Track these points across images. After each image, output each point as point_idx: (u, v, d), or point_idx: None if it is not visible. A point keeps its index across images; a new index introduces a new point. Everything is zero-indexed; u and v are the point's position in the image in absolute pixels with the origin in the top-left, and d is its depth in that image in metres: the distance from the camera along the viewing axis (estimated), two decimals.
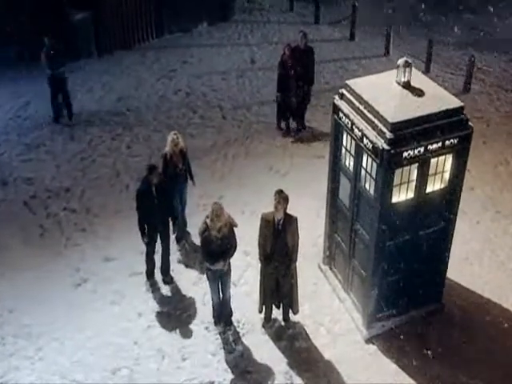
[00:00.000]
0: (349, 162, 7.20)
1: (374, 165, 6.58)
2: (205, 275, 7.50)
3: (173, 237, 8.56)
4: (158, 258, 8.21)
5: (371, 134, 6.51)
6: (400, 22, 14.85)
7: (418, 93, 6.62)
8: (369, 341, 7.40)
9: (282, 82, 10.69)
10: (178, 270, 8.43)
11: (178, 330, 7.60)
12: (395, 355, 7.24)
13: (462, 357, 7.23)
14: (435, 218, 7.07)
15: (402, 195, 6.74)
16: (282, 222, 6.95)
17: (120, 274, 8.31)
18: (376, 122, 6.48)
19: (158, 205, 7.76)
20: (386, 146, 6.32)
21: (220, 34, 14.88)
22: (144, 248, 8.08)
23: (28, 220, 9.30)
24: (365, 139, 6.61)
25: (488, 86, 12.67)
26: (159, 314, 7.82)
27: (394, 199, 6.71)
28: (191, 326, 7.66)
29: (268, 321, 7.63)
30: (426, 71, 12.52)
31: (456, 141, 6.56)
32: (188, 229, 8.97)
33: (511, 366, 7.16)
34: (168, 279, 8.25)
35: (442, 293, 7.70)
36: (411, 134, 6.35)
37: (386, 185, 6.52)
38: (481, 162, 10.07)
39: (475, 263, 8.48)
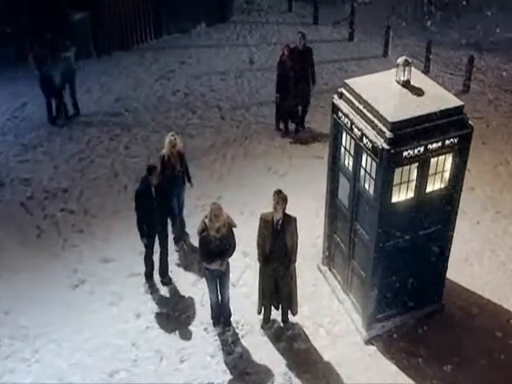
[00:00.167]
0: (348, 162, 7.16)
1: (374, 164, 6.54)
2: (204, 275, 7.45)
3: (171, 238, 8.51)
4: (156, 259, 8.16)
5: (371, 133, 6.47)
6: (399, 23, 14.82)
7: (418, 92, 6.57)
8: (368, 342, 7.35)
9: (281, 83, 10.65)
10: (176, 271, 8.39)
11: (176, 332, 7.55)
12: (395, 356, 7.20)
13: (462, 357, 7.19)
14: (435, 218, 7.02)
15: (401, 195, 6.69)
16: (280, 222, 6.90)
17: (118, 275, 8.26)
18: (376, 121, 6.43)
19: (157, 205, 7.72)
20: (385, 146, 6.27)
21: (218, 34, 14.86)
22: (142, 249, 8.04)
23: (25, 221, 9.25)
24: (364, 139, 6.57)
25: (487, 86, 12.65)
26: (157, 316, 7.77)
27: (394, 199, 6.66)
28: (190, 328, 7.61)
29: (267, 322, 7.58)
30: (426, 71, 12.47)
31: (456, 140, 6.51)
32: (186, 229, 8.92)
33: None
34: (166, 280, 8.20)
35: (441, 293, 7.66)
36: (411, 134, 6.31)
37: (385, 184, 6.48)
38: (481, 162, 10.04)
39: (475, 264, 8.44)
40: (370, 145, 6.48)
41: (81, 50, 13.25)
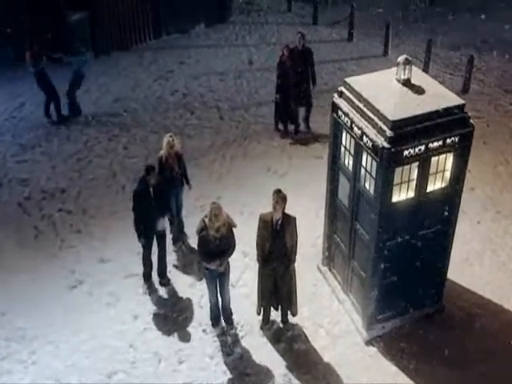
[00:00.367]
0: (348, 161, 7.11)
1: (374, 163, 6.48)
2: (203, 276, 7.40)
3: (169, 238, 8.45)
4: (154, 259, 8.09)
5: (371, 132, 6.41)
6: (398, 23, 14.81)
7: (419, 90, 6.53)
8: (369, 342, 7.30)
9: (281, 84, 10.61)
10: (174, 272, 8.33)
11: (174, 333, 7.49)
12: (395, 357, 7.14)
13: (462, 358, 7.14)
14: (436, 218, 6.97)
15: (402, 194, 6.63)
16: (280, 221, 6.84)
17: (116, 276, 8.20)
18: (376, 119, 6.38)
19: (155, 206, 7.65)
20: (386, 145, 6.22)
21: (217, 35, 14.82)
22: (140, 249, 7.98)
23: (23, 221, 9.19)
24: (364, 137, 6.51)
25: (487, 86, 12.61)
26: (155, 317, 7.70)
27: (394, 198, 6.61)
28: (188, 329, 7.55)
29: (266, 323, 7.52)
30: (425, 71, 12.39)
31: (457, 139, 6.46)
32: (185, 230, 8.86)
33: None
34: (165, 281, 8.14)
35: (442, 294, 7.61)
36: (412, 132, 6.26)
37: (386, 184, 6.42)
38: (481, 162, 9.99)
39: (476, 264, 8.39)
40: (370, 144, 6.43)
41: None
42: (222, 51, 14.06)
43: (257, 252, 7.08)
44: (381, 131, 6.30)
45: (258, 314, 7.48)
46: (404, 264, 7.09)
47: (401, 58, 6.58)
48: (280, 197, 6.75)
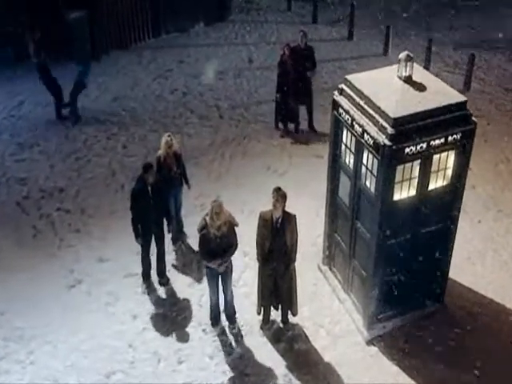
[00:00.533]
0: (349, 160, 7.05)
1: (375, 161, 6.43)
2: (203, 275, 7.34)
3: (169, 238, 8.39)
4: (153, 259, 8.03)
5: (372, 129, 6.36)
6: (399, 22, 14.76)
7: (420, 87, 6.48)
8: (370, 342, 7.24)
9: (282, 83, 10.55)
10: (174, 272, 8.28)
11: (174, 333, 7.43)
12: (397, 357, 7.09)
13: (464, 358, 7.09)
14: (437, 216, 6.92)
15: (403, 192, 6.58)
16: (280, 220, 6.78)
17: (115, 276, 8.15)
18: (377, 117, 6.33)
19: (153, 205, 7.59)
20: (387, 142, 6.17)
21: (217, 33, 14.76)
22: (139, 249, 7.93)
23: (21, 221, 9.13)
24: (365, 135, 6.46)
25: (488, 84, 12.57)
26: (155, 316, 7.65)
27: (396, 197, 6.56)
28: (188, 329, 7.49)
29: (266, 322, 7.46)
30: (426, 70, 12.38)
31: (459, 136, 6.41)
32: (184, 229, 8.80)
33: None
34: (164, 281, 8.08)
35: (443, 293, 7.56)
36: (413, 130, 6.21)
37: (387, 182, 6.37)
38: (482, 161, 9.94)
39: (477, 263, 8.34)
40: (371, 141, 6.37)
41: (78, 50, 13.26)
42: (221, 50, 14.00)
43: (257, 251, 7.02)
44: (382, 129, 6.24)
45: (258, 313, 7.42)
46: (405, 263, 7.04)
47: (402, 55, 6.52)
48: (280, 195, 6.69)
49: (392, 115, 6.17)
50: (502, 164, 10.25)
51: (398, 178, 6.41)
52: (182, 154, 8.45)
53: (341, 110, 6.91)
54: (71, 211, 9.28)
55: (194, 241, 8.55)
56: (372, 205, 6.69)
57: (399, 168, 6.35)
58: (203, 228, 6.85)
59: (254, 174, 9.98)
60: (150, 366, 7.05)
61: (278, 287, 7.20)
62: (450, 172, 6.70)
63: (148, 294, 7.93)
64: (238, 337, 7.37)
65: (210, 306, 7.38)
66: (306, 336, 7.37)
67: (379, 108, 6.32)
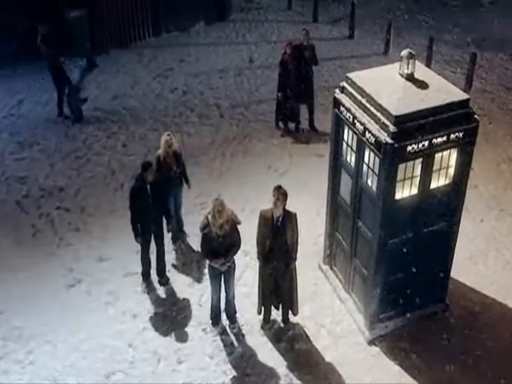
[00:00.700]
0: (350, 158, 7.00)
1: (377, 160, 6.37)
2: (201, 274, 7.29)
3: (169, 237, 8.34)
4: (153, 258, 7.98)
5: (374, 127, 6.30)
6: (400, 20, 14.71)
7: (422, 85, 6.42)
8: (371, 342, 7.19)
9: (283, 82, 10.50)
10: (173, 271, 8.23)
11: (174, 332, 7.39)
12: (398, 357, 7.04)
13: (466, 357, 7.04)
14: (440, 215, 6.87)
15: (405, 191, 6.53)
16: (281, 218, 6.73)
17: (114, 275, 8.10)
18: (379, 115, 6.27)
19: (153, 204, 7.54)
20: (389, 140, 6.11)
21: (217, 33, 14.70)
22: (139, 248, 7.88)
23: (20, 220, 9.09)
24: (367, 133, 6.40)
25: (489, 84, 12.51)
26: (155, 316, 7.60)
27: (398, 195, 6.50)
28: (188, 328, 7.44)
29: (267, 322, 7.41)
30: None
31: (461, 134, 6.35)
32: (184, 228, 8.75)
33: None
34: (164, 280, 8.03)
35: (445, 292, 7.51)
36: (415, 128, 6.15)
37: (389, 180, 6.31)
38: (484, 160, 9.88)
39: (480, 262, 8.29)
40: (372, 139, 6.32)
41: (78, 48, 13.21)
42: (222, 49, 13.94)
43: (257, 249, 6.97)
44: (384, 126, 6.19)
45: (259, 313, 7.38)
46: (407, 262, 6.99)
47: (404, 52, 6.47)
48: (281, 193, 6.64)
49: (394, 113, 6.11)
50: (504, 163, 10.20)
51: (399, 176, 6.35)
52: (181, 153, 8.40)
53: (342, 108, 6.86)
54: (71, 210, 9.24)
55: (193, 240, 8.52)
56: (373, 204, 6.64)
57: (401, 166, 6.30)
58: (205, 227, 6.78)
59: (255, 173, 9.94)
60: (149, 366, 7.00)
61: (278, 286, 7.15)
62: (452, 171, 6.64)
63: (148, 294, 7.89)
64: (239, 336, 7.32)
65: (211, 306, 7.33)
66: (307, 336, 7.32)
67: (381, 106, 6.26)
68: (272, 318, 7.44)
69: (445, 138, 6.29)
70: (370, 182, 6.69)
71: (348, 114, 6.74)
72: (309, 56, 10.50)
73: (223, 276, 7.06)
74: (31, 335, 7.31)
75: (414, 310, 7.39)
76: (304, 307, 7.50)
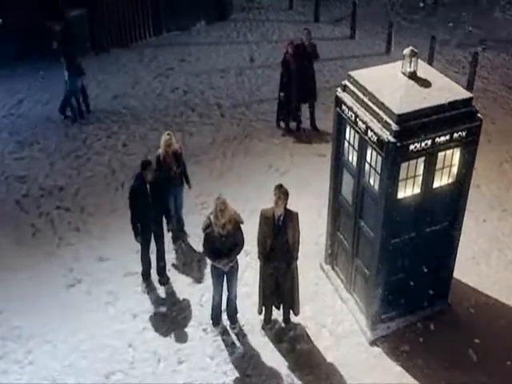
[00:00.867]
0: (352, 157, 6.95)
1: (379, 158, 6.33)
2: (203, 274, 7.25)
3: (169, 237, 8.30)
4: (153, 258, 7.94)
5: (376, 126, 6.26)
6: (401, 20, 14.67)
7: (425, 84, 6.38)
8: (373, 343, 7.14)
9: (285, 82, 10.46)
10: (174, 271, 8.19)
11: (174, 332, 7.34)
12: (400, 357, 7.00)
13: (468, 358, 7.00)
14: (442, 215, 6.83)
15: (407, 190, 6.48)
16: (282, 217, 6.68)
17: (114, 275, 8.06)
18: (381, 113, 6.23)
19: (152, 203, 7.49)
20: (391, 139, 6.06)
21: (218, 32, 14.67)
22: (139, 247, 7.84)
23: (20, 219, 9.04)
24: (369, 132, 6.36)
25: (491, 83, 12.47)
26: (155, 316, 7.55)
27: (400, 195, 6.45)
28: (188, 328, 7.40)
29: (268, 322, 7.36)
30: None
31: (464, 133, 6.31)
32: (185, 228, 8.71)
33: None
34: (164, 280, 7.98)
35: (448, 293, 7.46)
36: (418, 126, 6.10)
37: (391, 179, 6.27)
38: (486, 160, 9.80)
39: (482, 262, 8.24)
40: (375, 138, 6.27)
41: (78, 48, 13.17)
42: (222, 48, 13.91)
43: (258, 249, 6.92)
44: (386, 125, 6.14)
45: (260, 313, 7.33)
46: (409, 262, 6.94)
47: (407, 51, 6.43)
48: (282, 192, 6.60)
49: (396, 111, 6.07)
50: (507, 163, 10.15)
51: (402, 175, 6.31)
52: (182, 153, 8.36)
53: (344, 107, 6.81)
54: (71, 210, 9.20)
55: (194, 240, 8.48)
56: (375, 203, 6.59)
57: (403, 165, 6.25)
58: (208, 227, 6.72)
59: (256, 172, 9.89)
60: (149, 366, 6.96)
61: (279, 286, 7.10)
62: (455, 169, 6.60)
63: (148, 293, 7.84)
64: (240, 337, 7.28)
65: (212, 306, 7.28)
66: (309, 336, 7.27)
67: (383, 104, 6.22)
68: (273, 318, 7.40)
69: (448, 137, 6.25)
70: (372, 181, 6.64)
71: (350, 113, 6.69)
72: (311, 53, 10.46)
73: (226, 276, 7.01)
74: (31, 335, 7.27)
75: (416, 311, 7.35)
76: (305, 307, 7.46)
